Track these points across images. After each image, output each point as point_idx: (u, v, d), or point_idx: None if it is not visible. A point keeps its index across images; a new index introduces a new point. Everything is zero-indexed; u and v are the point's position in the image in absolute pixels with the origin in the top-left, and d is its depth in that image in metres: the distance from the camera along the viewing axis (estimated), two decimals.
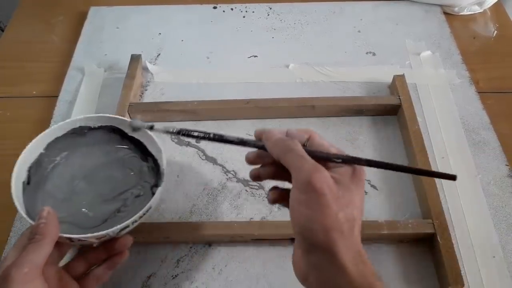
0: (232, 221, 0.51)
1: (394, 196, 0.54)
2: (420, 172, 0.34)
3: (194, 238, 0.50)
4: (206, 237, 0.50)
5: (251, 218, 0.53)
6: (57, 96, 0.66)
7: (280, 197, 0.37)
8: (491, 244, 0.50)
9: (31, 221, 0.38)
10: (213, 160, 0.58)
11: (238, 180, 0.56)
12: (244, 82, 0.67)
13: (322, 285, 0.31)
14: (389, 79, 0.65)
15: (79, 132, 0.49)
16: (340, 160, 0.34)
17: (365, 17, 0.77)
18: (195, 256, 0.50)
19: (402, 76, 0.63)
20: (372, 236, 0.49)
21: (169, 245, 0.51)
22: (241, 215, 0.53)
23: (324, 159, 0.34)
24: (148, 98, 0.66)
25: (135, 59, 0.66)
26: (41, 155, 0.47)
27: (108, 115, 0.49)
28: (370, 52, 0.72)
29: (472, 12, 0.78)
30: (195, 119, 0.62)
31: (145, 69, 0.69)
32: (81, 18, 0.78)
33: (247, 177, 0.56)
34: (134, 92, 0.63)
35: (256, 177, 0.38)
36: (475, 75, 0.68)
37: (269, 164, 0.37)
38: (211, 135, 0.38)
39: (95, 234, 0.39)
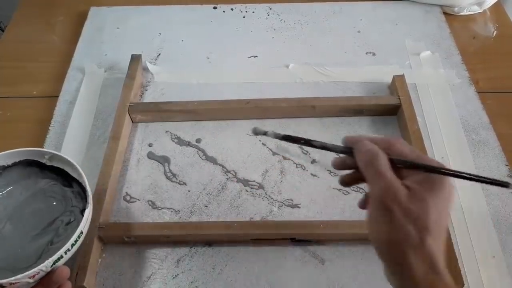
0: (232, 221, 0.51)
1: None
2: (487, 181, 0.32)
3: (194, 238, 0.50)
4: (206, 237, 0.50)
5: (251, 218, 0.53)
6: (57, 96, 0.66)
7: (353, 180, 0.38)
8: (491, 244, 0.50)
9: None
10: (213, 160, 0.58)
11: (238, 180, 0.56)
12: (244, 82, 0.67)
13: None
14: (389, 79, 0.65)
15: None
16: (401, 166, 0.34)
17: (365, 17, 0.78)
18: (195, 256, 0.50)
19: (402, 76, 0.63)
20: None
21: (169, 245, 0.51)
22: (241, 215, 0.53)
23: (405, 167, 0.34)
24: (148, 98, 0.66)
25: (135, 59, 0.66)
26: None
27: (20, 149, 0.47)
28: (370, 52, 0.72)
29: (472, 12, 0.78)
30: (195, 119, 0.62)
31: (145, 69, 0.69)
32: (82, 18, 0.78)
33: (247, 177, 0.56)
34: (134, 92, 0.63)
35: (346, 183, 0.39)
36: (475, 75, 0.68)
37: (356, 169, 0.37)
38: (312, 142, 0.40)
39: (26, 273, 0.37)
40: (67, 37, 0.76)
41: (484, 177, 0.32)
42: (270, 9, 0.80)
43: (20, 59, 0.73)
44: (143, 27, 0.77)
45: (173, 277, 0.49)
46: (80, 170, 0.45)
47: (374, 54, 0.71)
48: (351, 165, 0.37)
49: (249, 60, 0.71)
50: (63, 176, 0.48)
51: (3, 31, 0.84)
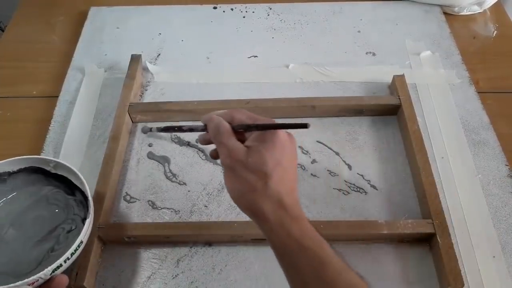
0: (232, 221, 0.51)
1: (394, 196, 0.54)
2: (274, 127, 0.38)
3: (194, 238, 0.50)
4: (206, 237, 0.50)
5: None
6: (57, 96, 0.66)
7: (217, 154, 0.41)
8: (491, 244, 0.50)
9: None
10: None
11: None
12: (244, 82, 0.67)
13: (266, 238, 0.37)
14: (389, 79, 0.65)
15: None
16: (241, 130, 0.39)
17: (365, 17, 0.77)
18: (195, 256, 0.50)
19: (402, 76, 0.63)
20: (372, 236, 0.49)
21: (169, 245, 0.51)
22: (241, 215, 0.53)
23: (244, 130, 0.39)
24: (148, 98, 0.66)
25: (135, 59, 0.66)
26: None
27: (26, 156, 0.48)
28: (370, 52, 0.72)
29: (472, 12, 0.78)
30: (195, 119, 0.62)
31: (145, 69, 0.69)
32: (81, 18, 0.78)
33: None
34: (134, 92, 0.63)
35: (213, 157, 0.43)
36: (475, 75, 0.68)
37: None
38: (182, 127, 0.46)
39: (26, 280, 0.37)
40: (67, 37, 0.76)
41: (286, 124, 0.37)
42: (270, 9, 0.80)
43: (20, 59, 0.73)
44: (143, 27, 0.76)
45: (173, 277, 0.49)
46: (83, 179, 0.45)
47: (374, 54, 0.71)
48: (211, 140, 0.41)
49: (249, 60, 0.71)
50: (66, 184, 0.48)
51: (3, 31, 0.84)
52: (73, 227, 0.46)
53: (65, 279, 0.41)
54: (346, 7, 0.79)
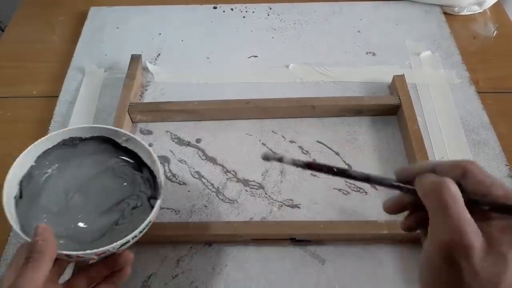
0: (232, 221, 0.51)
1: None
2: None
3: (194, 238, 0.50)
4: (206, 237, 0.50)
5: (251, 218, 0.53)
6: (57, 96, 0.66)
7: (417, 221, 0.31)
8: None
9: (26, 238, 0.37)
10: (213, 160, 0.58)
11: (238, 180, 0.56)
12: (244, 82, 0.67)
13: None
14: (389, 79, 0.65)
15: (70, 144, 0.48)
16: (487, 208, 0.25)
17: (365, 17, 0.78)
18: (195, 256, 0.50)
19: (402, 76, 0.63)
20: (372, 236, 0.49)
21: (169, 245, 0.51)
22: (241, 215, 0.53)
23: (493, 209, 0.25)
24: (148, 98, 0.66)
25: (135, 59, 0.66)
26: (31, 167, 0.45)
27: (99, 125, 0.48)
28: (370, 52, 0.72)
29: (472, 12, 0.78)
30: (195, 119, 0.62)
31: (145, 69, 0.69)
32: (81, 18, 0.78)
33: (247, 177, 0.56)
34: (134, 92, 0.63)
35: (410, 228, 0.32)
36: (475, 75, 0.68)
37: (415, 209, 0.31)
38: (351, 173, 0.32)
39: (95, 250, 0.38)
40: (67, 37, 0.76)
41: None
42: (270, 9, 0.80)
43: (20, 59, 0.73)
44: (143, 27, 0.77)
45: (173, 277, 0.49)
46: (155, 158, 0.45)
47: (374, 54, 0.71)
48: (408, 205, 0.31)
49: (249, 60, 0.71)
50: (135, 160, 0.48)
51: (3, 31, 0.84)
52: (139, 204, 0.46)
53: (131, 256, 0.41)
54: (346, 7, 0.79)
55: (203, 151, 0.59)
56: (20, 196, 0.44)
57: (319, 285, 0.48)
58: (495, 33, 0.76)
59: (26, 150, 0.45)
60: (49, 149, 0.47)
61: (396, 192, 0.31)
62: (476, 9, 0.78)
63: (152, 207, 0.43)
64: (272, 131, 0.61)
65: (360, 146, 0.59)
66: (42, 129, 0.62)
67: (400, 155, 0.58)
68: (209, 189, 0.55)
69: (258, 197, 0.54)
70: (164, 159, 0.58)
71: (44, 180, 0.46)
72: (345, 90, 0.66)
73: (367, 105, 0.61)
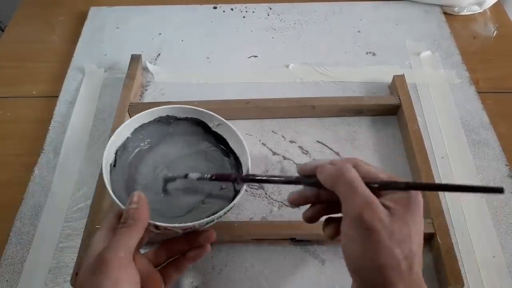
0: (232, 221, 0.51)
1: None
2: (468, 189, 0.29)
3: None
4: None
5: (251, 218, 0.53)
6: (57, 96, 0.66)
7: (318, 213, 0.35)
8: (491, 244, 0.50)
9: (121, 205, 0.38)
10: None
11: None
12: (244, 82, 0.67)
13: None
14: (389, 79, 0.65)
15: (164, 121, 0.50)
16: (376, 185, 0.31)
17: (365, 17, 0.78)
18: None
19: (402, 76, 0.63)
20: None
21: None
22: (241, 215, 0.53)
23: (379, 188, 0.31)
24: (148, 98, 0.66)
25: (135, 59, 0.66)
26: (127, 139, 0.48)
27: (196, 107, 0.50)
28: (370, 52, 0.72)
29: (472, 12, 0.78)
30: None
31: (145, 69, 0.69)
32: (81, 18, 0.78)
33: None
34: (134, 92, 0.63)
35: (311, 219, 0.37)
36: (475, 75, 0.68)
37: (317, 202, 0.36)
38: (265, 178, 0.40)
39: (182, 225, 0.39)
40: (67, 37, 0.76)
41: (472, 186, 0.30)
42: (270, 9, 0.80)
43: (20, 59, 0.73)
44: (143, 27, 0.77)
45: None
46: (245, 145, 0.46)
47: (374, 54, 0.71)
48: (311, 198, 0.35)
49: (249, 60, 0.71)
50: (223, 145, 0.50)
51: (3, 31, 0.84)
52: (224, 187, 0.47)
53: (213, 235, 0.41)
54: (346, 7, 0.79)
55: None
56: (114, 165, 0.46)
57: (319, 285, 0.48)
58: (495, 33, 0.76)
59: (125, 123, 0.47)
60: (145, 123, 0.49)
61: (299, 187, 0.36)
62: (476, 9, 0.78)
63: (236, 191, 0.45)
64: (272, 131, 0.61)
65: (360, 146, 0.59)
66: (42, 129, 0.62)
67: (400, 155, 0.58)
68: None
69: (258, 197, 0.54)
70: None
71: (136, 152, 0.48)
72: (345, 90, 0.66)
73: (367, 105, 0.61)
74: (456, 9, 0.77)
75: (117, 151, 0.46)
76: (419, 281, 0.28)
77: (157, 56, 0.72)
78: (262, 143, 0.60)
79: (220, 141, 0.50)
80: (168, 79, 0.68)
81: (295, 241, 0.50)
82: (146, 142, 0.49)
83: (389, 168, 0.57)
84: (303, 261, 0.49)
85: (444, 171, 0.56)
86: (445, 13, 0.78)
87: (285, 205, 0.54)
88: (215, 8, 0.80)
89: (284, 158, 0.58)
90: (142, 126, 0.49)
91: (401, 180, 0.31)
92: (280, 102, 0.61)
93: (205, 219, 0.39)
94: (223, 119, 0.49)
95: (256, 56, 0.72)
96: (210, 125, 0.50)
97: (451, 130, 0.60)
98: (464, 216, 0.52)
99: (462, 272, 0.46)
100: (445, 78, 0.67)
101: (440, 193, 0.51)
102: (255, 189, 0.55)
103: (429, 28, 0.75)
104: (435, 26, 0.75)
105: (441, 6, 0.78)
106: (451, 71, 0.68)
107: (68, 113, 0.63)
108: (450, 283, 0.45)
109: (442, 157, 0.57)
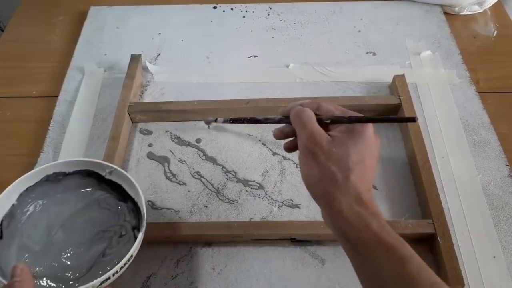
0: (232, 221, 0.51)
1: (394, 196, 0.54)
2: (379, 120, 0.40)
3: (194, 238, 0.50)
4: (206, 237, 0.50)
5: (251, 218, 0.53)
6: (57, 96, 0.66)
7: (294, 145, 0.41)
8: (491, 244, 0.50)
9: (3, 281, 0.37)
10: (213, 160, 0.58)
11: (238, 180, 0.56)
12: (244, 82, 0.67)
13: (330, 227, 0.36)
14: (389, 79, 0.65)
15: (53, 179, 0.47)
16: (329, 121, 0.38)
17: (365, 17, 0.77)
18: (195, 256, 0.50)
19: (402, 76, 0.63)
20: None
21: (169, 245, 0.51)
22: (241, 215, 0.53)
23: (331, 122, 0.38)
24: (148, 98, 0.66)
25: (135, 59, 0.66)
26: (13, 206, 0.45)
27: (83, 159, 0.48)
28: (370, 52, 0.71)
29: (472, 12, 0.78)
30: (195, 119, 0.62)
31: (145, 69, 0.69)
32: (81, 18, 0.78)
33: (247, 177, 0.56)
34: (134, 92, 0.63)
35: (289, 148, 0.42)
36: (475, 75, 0.68)
37: (294, 135, 0.41)
38: (256, 118, 0.46)
39: None
40: (67, 37, 0.76)
41: (390, 117, 0.37)
42: (270, 9, 0.80)
43: (20, 59, 0.73)
44: (143, 27, 0.76)
45: (173, 277, 0.48)
46: (139, 190, 0.45)
47: (374, 54, 0.71)
48: (289, 133, 0.41)
49: (249, 60, 0.71)
50: (118, 191, 0.47)
51: (3, 31, 0.84)
52: (124, 233, 0.45)
53: None
54: (346, 7, 0.79)
55: (203, 151, 0.59)
56: (0, 237, 0.43)
57: (319, 285, 0.48)
58: (495, 33, 0.76)
59: (7, 188, 0.44)
60: (31, 186, 0.46)
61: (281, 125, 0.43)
62: (477, 9, 0.78)
63: (136, 238, 0.42)
64: (272, 131, 0.61)
65: None
66: (42, 129, 0.62)
67: (400, 155, 0.58)
68: (209, 189, 0.55)
69: (258, 197, 0.54)
70: (164, 159, 0.58)
71: (26, 218, 0.45)
72: (345, 90, 0.66)
73: (367, 105, 0.60)
74: (456, 9, 0.77)
75: (2, 221, 0.43)
76: (354, 188, 0.34)
77: (157, 56, 0.72)
78: (262, 143, 0.60)
79: (115, 188, 0.48)
80: (168, 79, 0.68)
81: (295, 241, 0.50)
82: (36, 205, 0.46)
83: (389, 168, 0.57)
84: (303, 261, 0.49)
85: (444, 171, 0.56)
86: (445, 13, 0.78)
87: (285, 205, 0.54)
88: (215, 8, 0.80)
89: (284, 158, 0.58)
90: (29, 190, 0.46)
91: (347, 116, 0.38)
92: (280, 102, 0.61)
93: (99, 279, 0.38)
94: (113, 165, 0.47)
95: (256, 56, 0.71)
96: (103, 173, 0.47)
97: (451, 130, 0.60)
98: (464, 216, 0.52)
99: (462, 272, 0.46)
100: (446, 78, 0.67)
101: (441, 195, 0.51)
102: (255, 189, 0.55)
103: (430, 28, 0.75)
104: (435, 26, 0.75)
105: (441, 6, 0.78)
106: (451, 71, 0.68)
107: (68, 113, 0.63)
108: (451, 283, 0.44)
109: (443, 157, 0.57)
